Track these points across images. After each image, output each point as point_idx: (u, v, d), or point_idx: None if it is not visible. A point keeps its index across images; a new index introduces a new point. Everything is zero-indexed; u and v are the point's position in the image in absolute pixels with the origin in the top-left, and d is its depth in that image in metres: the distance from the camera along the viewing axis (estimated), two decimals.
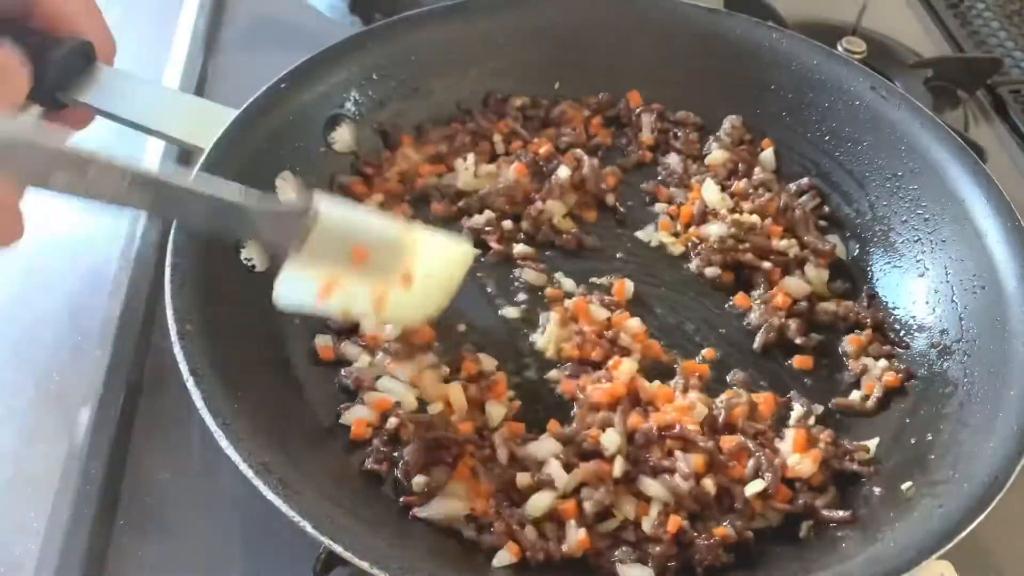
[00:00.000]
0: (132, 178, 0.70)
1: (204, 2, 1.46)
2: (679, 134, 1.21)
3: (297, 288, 0.82)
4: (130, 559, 0.86)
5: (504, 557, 0.82)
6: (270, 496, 0.73)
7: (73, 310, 1.06)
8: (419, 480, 0.87)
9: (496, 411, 0.93)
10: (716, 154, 1.17)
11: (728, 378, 0.99)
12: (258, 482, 0.74)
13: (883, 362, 0.98)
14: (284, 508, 0.72)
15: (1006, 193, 0.99)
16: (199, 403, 0.78)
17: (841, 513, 0.85)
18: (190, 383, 0.79)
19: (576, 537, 0.83)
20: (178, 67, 1.34)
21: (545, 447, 0.89)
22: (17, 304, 1.08)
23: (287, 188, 1.06)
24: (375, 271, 0.83)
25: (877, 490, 0.87)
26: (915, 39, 1.55)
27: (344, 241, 0.81)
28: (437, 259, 0.89)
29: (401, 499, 0.87)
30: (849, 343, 1.02)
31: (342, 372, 0.95)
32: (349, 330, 0.99)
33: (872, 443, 0.92)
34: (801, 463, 0.88)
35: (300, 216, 0.79)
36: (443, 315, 1.00)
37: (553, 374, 0.98)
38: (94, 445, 0.92)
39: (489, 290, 1.07)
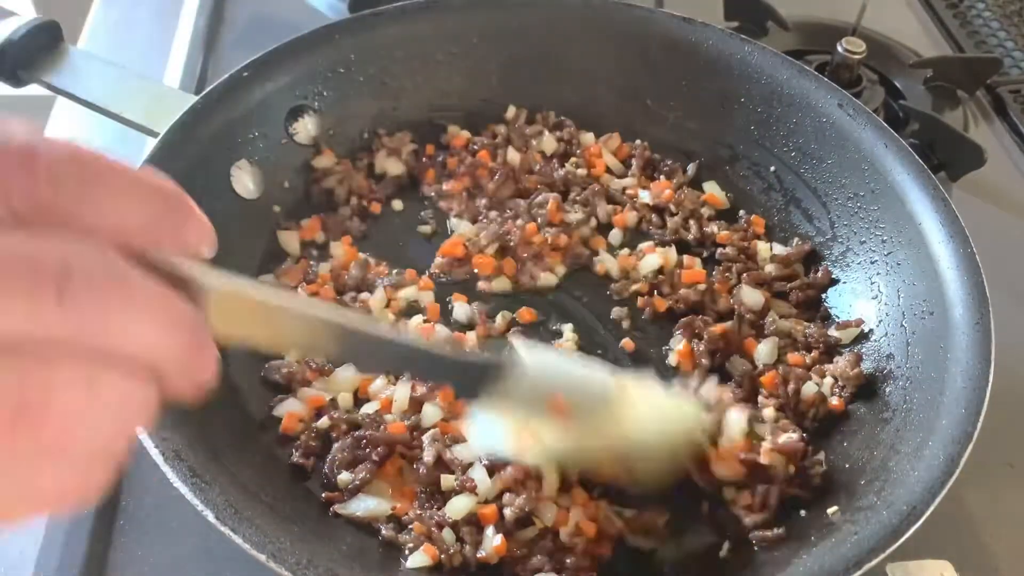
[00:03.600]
0: (321, 327, 0.53)
1: (204, 2, 1.47)
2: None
3: (488, 432, 0.78)
4: (130, 559, 0.86)
5: (419, 559, 0.82)
6: (176, 484, 0.73)
7: None
8: (344, 477, 0.87)
9: (431, 413, 0.92)
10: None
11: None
12: (166, 468, 0.73)
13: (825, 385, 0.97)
14: (189, 496, 0.72)
15: (1006, 193, 0.98)
16: None
17: (771, 532, 0.84)
18: None
19: (493, 543, 0.83)
20: (178, 67, 1.35)
21: (474, 451, 0.88)
22: None
23: (243, 176, 1.06)
24: (578, 425, 0.74)
25: (803, 512, 0.86)
26: (915, 39, 1.53)
27: (543, 391, 0.72)
28: (654, 417, 0.80)
29: (323, 495, 0.87)
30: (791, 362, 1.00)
31: (267, 366, 0.95)
32: None
33: (820, 456, 0.91)
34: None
35: (499, 368, 0.69)
36: None
37: None
38: None
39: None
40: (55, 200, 0.35)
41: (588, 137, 1.22)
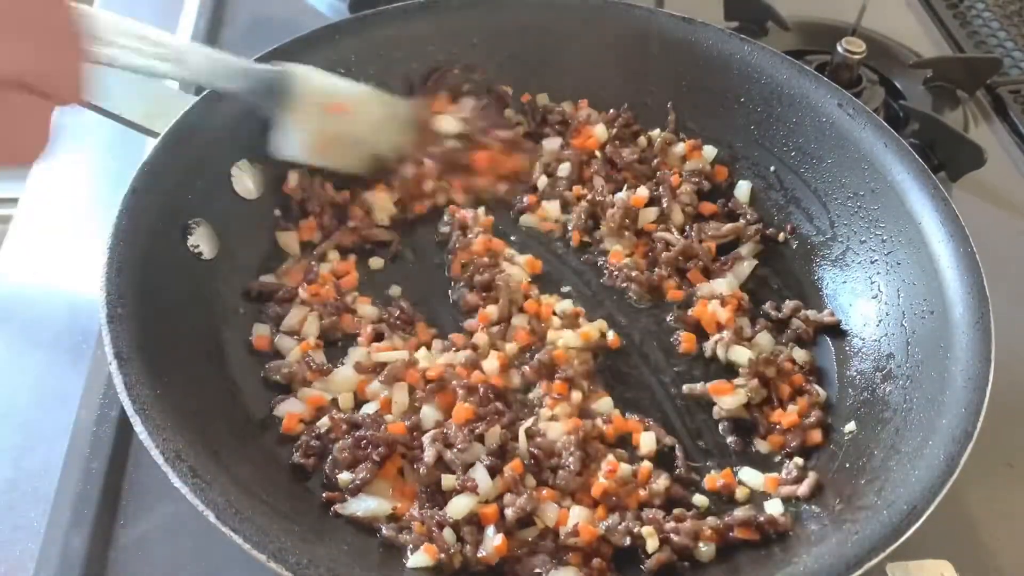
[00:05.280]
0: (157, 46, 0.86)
1: (204, 2, 1.47)
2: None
3: (291, 141, 0.99)
4: (130, 559, 0.86)
5: (420, 559, 0.82)
6: (177, 484, 0.73)
7: (73, 310, 1.06)
8: (345, 477, 0.87)
9: (430, 414, 0.92)
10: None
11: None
12: (167, 469, 0.73)
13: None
14: (190, 496, 0.72)
15: (1005, 193, 0.98)
16: (119, 387, 0.78)
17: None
18: (113, 366, 0.79)
19: (494, 543, 0.82)
20: None
21: (474, 451, 0.89)
22: (17, 304, 1.09)
23: (244, 177, 1.06)
24: (352, 124, 1.01)
25: (806, 507, 0.87)
26: (915, 39, 1.54)
27: (323, 99, 0.98)
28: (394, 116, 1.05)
29: (324, 495, 0.87)
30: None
31: (267, 366, 0.95)
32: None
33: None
34: None
35: (282, 77, 0.94)
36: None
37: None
38: (94, 445, 0.92)
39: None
40: None
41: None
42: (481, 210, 1.13)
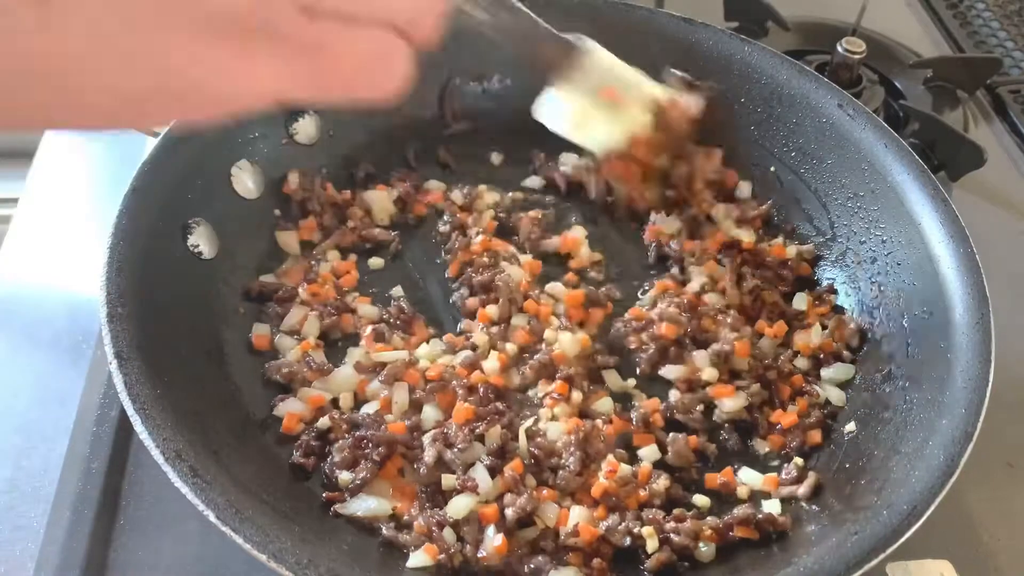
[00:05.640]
0: None
1: None
2: None
3: (555, 110, 0.92)
4: (130, 559, 0.86)
5: (420, 558, 0.82)
6: (177, 483, 0.73)
7: (73, 309, 1.06)
8: (345, 477, 0.87)
9: (430, 414, 0.92)
10: None
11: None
12: (167, 468, 0.73)
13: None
14: (191, 496, 0.72)
15: (1005, 193, 0.98)
16: (119, 387, 0.78)
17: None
18: (113, 366, 0.79)
19: (494, 543, 0.82)
20: None
21: (474, 451, 0.89)
22: (17, 304, 1.09)
23: (244, 177, 1.06)
24: (618, 112, 0.93)
25: (806, 507, 0.87)
26: (915, 39, 1.54)
27: (601, 80, 0.91)
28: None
29: (324, 495, 0.87)
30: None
31: (267, 366, 0.95)
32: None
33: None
34: None
35: (575, 47, 0.89)
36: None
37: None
38: (94, 445, 0.92)
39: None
40: None
41: None
42: (486, 214, 1.13)
